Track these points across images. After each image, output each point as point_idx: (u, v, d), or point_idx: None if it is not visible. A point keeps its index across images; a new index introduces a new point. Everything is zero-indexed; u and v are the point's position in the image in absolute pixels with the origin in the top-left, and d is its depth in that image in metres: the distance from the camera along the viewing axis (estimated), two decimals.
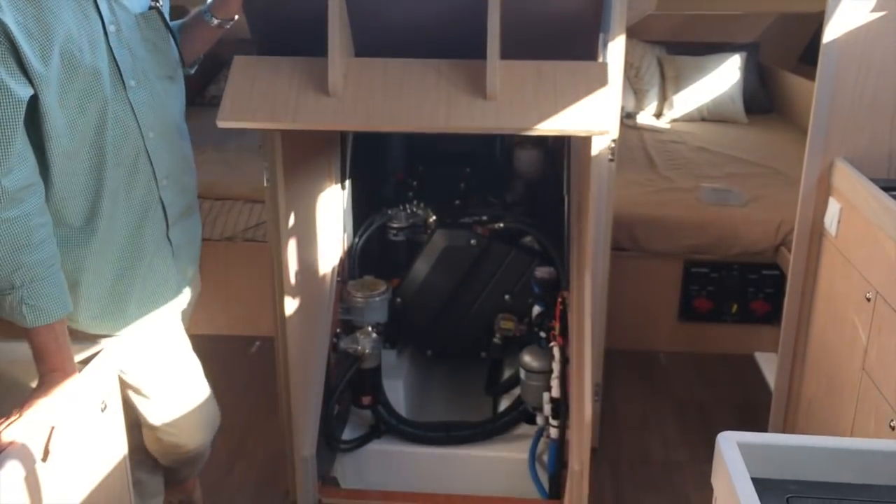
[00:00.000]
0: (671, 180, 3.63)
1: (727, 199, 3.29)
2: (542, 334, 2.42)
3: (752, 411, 2.93)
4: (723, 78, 4.71)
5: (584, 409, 2.11)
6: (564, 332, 2.34)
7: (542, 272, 2.50)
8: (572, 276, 2.40)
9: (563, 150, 2.63)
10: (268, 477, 2.61)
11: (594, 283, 2.33)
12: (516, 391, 2.55)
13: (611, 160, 2.39)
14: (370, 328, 2.43)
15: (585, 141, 2.21)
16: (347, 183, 2.58)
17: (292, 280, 2.20)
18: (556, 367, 2.32)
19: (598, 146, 2.32)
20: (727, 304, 3.29)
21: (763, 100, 4.89)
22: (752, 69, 4.85)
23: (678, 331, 3.35)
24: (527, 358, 2.41)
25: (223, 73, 4.74)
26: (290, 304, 2.21)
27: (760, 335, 3.29)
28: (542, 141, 2.84)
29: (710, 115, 4.69)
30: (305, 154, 2.33)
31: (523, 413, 2.52)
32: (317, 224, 2.43)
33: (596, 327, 2.39)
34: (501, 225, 2.62)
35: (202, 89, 4.82)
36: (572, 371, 2.27)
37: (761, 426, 2.72)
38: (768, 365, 3.11)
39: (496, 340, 2.59)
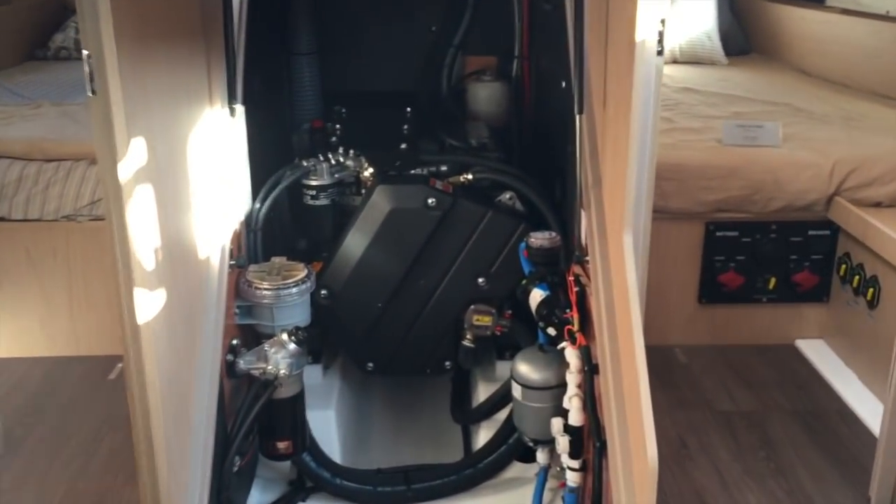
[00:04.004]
0: (671, 121, 3.01)
1: (759, 137, 2.69)
2: (551, 331, 1.81)
3: (821, 420, 2.33)
4: (694, 13, 4.19)
5: (646, 442, 1.35)
6: (585, 326, 1.75)
7: (539, 239, 1.91)
8: (590, 243, 1.77)
9: (530, 84, 2.30)
10: None
11: (636, 246, 1.61)
12: (500, 415, 2.05)
13: (659, 53, 1.58)
14: (285, 336, 1.83)
15: (626, 17, 1.39)
16: (241, 111, 1.91)
17: (147, 265, 1.40)
18: (572, 379, 1.72)
19: (644, 29, 1.45)
20: (763, 279, 2.67)
21: (739, 38, 4.40)
22: (724, 2, 4.34)
23: (698, 317, 2.77)
24: (524, 367, 1.83)
25: (72, 20, 4.10)
26: (148, 304, 1.40)
27: (802, 317, 2.73)
28: (504, 70, 2.49)
29: (683, 57, 4.15)
30: (166, 54, 1.53)
31: (515, 448, 2.00)
32: (190, 176, 1.66)
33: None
34: (470, 177, 2.10)
35: (47, 39, 4.10)
36: (605, 383, 1.64)
37: (839, 438, 2.23)
38: (818, 355, 2.79)
39: (466, 343, 2.08)
